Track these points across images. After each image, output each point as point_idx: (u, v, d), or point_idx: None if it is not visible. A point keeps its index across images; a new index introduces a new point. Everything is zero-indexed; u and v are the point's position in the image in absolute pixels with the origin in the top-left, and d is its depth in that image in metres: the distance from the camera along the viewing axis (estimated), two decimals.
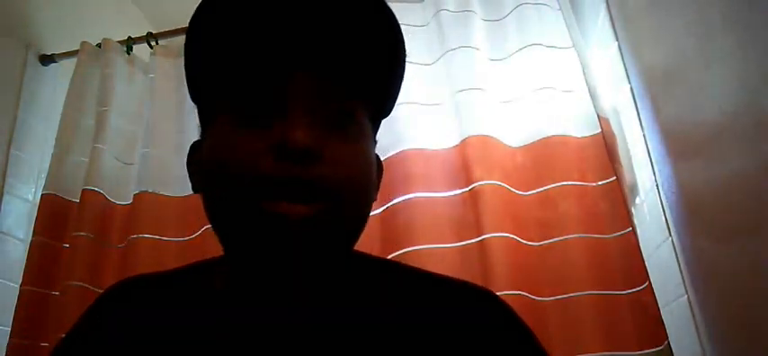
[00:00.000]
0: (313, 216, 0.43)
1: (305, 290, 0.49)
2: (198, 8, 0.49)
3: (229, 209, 0.45)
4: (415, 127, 1.26)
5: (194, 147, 0.55)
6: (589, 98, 1.18)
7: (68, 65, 1.57)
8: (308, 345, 0.48)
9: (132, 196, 1.38)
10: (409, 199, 1.19)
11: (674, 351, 0.97)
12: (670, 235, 1.00)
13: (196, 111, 0.55)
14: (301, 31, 0.47)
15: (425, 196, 1.20)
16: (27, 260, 1.34)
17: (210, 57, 0.50)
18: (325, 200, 0.44)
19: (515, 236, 1.13)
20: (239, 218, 0.45)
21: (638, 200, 1.16)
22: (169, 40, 1.56)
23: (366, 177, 0.48)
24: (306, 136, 0.43)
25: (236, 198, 0.44)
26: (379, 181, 0.57)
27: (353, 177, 0.46)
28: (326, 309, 0.49)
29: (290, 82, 0.46)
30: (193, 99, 0.55)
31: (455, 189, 1.21)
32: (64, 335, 0.55)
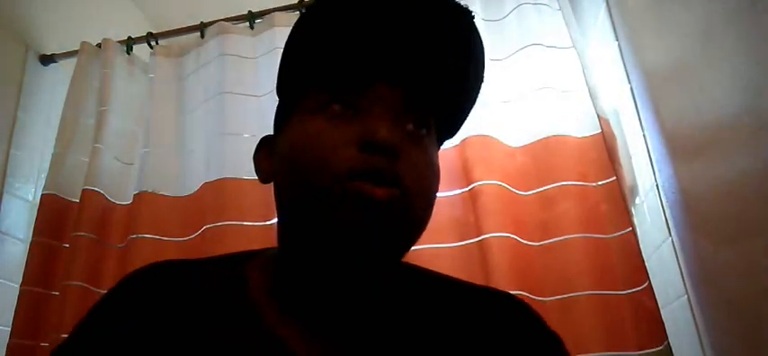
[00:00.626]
0: (390, 200, 0.45)
1: (355, 300, 0.51)
2: (308, 9, 0.53)
3: (313, 190, 0.47)
4: None
5: (263, 142, 0.58)
6: (589, 98, 1.18)
7: (68, 65, 1.57)
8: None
9: (132, 196, 1.38)
10: None
11: (673, 351, 0.97)
12: (670, 235, 1.00)
13: (274, 107, 0.57)
14: (397, 43, 0.50)
15: None
16: (27, 260, 1.34)
17: (309, 52, 0.53)
18: (402, 191, 0.46)
19: (515, 236, 1.13)
20: (321, 197, 0.46)
21: (638, 200, 1.16)
22: (169, 40, 1.56)
23: (433, 185, 0.51)
24: (391, 131, 0.46)
25: (320, 180, 0.46)
26: None
27: (425, 180, 0.49)
28: (369, 319, 0.51)
29: (378, 87, 0.49)
30: (279, 92, 0.57)
31: (455, 189, 1.21)
32: (90, 311, 0.53)
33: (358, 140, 0.46)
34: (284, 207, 0.51)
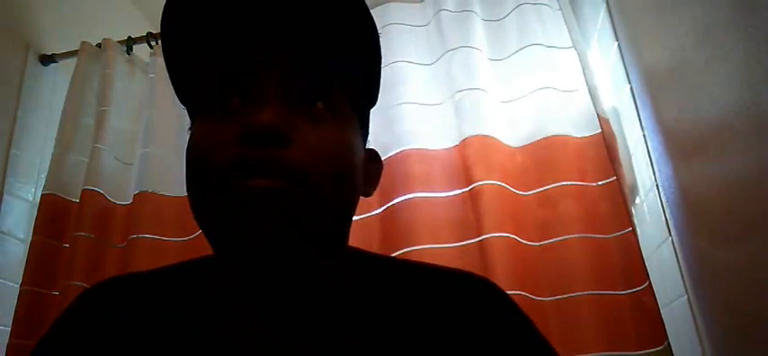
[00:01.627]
0: (279, 188, 0.42)
1: (295, 287, 0.49)
2: (164, 9, 0.49)
3: (201, 196, 0.46)
4: (415, 127, 1.26)
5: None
6: (589, 98, 1.18)
7: (68, 65, 1.57)
8: (301, 347, 0.48)
9: (132, 196, 1.37)
10: (409, 199, 1.19)
11: (674, 351, 0.97)
12: (670, 235, 1.00)
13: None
14: (267, 10, 0.47)
15: (425, 196, 1.20)
16: (27, 260, 1.34)
17: (182, 55, 0.51)
18: (293, 181, 0.43)
19: (515, 236, 1.13)
20: (209, 201, 0.45)
21: (638, 200, 1.16)
22: None
23: (343, 161, 0.47)
24: (271, 116, 0.43)
25: (205, 184, 0.45)
26: (377, 176, 0.57)
27: (327, 160, 0.45)
28: (320, 309, 0.49)
29: (258, 66, 0.46)
30: (181, 101, 0.55)
31: (455, 189, 1.21)
32: (42, 336, 0.53)
33: (239, 133, 0.44)
34: (196, 216, 0.48)
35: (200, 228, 0.48)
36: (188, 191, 0.47)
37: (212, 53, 0.48)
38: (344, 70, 0.50)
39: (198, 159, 0.46)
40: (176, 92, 0.54)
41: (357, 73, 0.52)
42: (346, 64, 0.50)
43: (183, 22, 0.49)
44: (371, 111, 0.57)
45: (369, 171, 0.55)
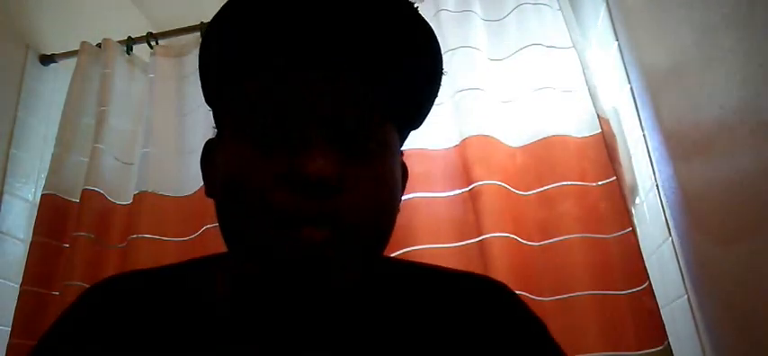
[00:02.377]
0: (329, 239, 0.42)
1: (318, 304, 0.48)
2: (216, 15, 0.47)
3: (249, 238, 0.44)
4: None
5: (209, 146, 0.53)
6: (589, 98, 1.18)
7: (68, 65, 1.57)
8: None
9: (132, 196, 1.38)
10: (409, 199, 1.19)
11: (673, 351, 0.97)
12: (670, 235, 1.00)
13: (211, 112, 0.53)
14: (320, 33, 0.44)
15: (425, 196, 1.20)
16: (27, 260, 1.34)
17: (224, 64, 0.49)
18: (343, 230, 0.42)
19: (515, 236, 1.13)
20: (252, 234, 0.43)
21: (638, 200, 1.16)
22: (169, 40, 1.56)
23: (391, 201, 0.47)
24: (323, 168, 0.41)
25: (249, 218, 0.43)
26: (404, 186, 0.55)
27: (377, 206, 0.45)
28: (339, 319, 0.49)
29: (307, 97, 0.43)
30: (208, 103, 0.53)
31: (455, 189, 1.21)
32: (42, 335, 0.53)
33: (288, 177, 0.41)
34: (226, 235, 0.47)
35: (226, 241, 0.47)
36: (224, 214, 0.46)
37: (256, 72, 0.46)
38: (400, 99, 0.47)
39: (240, 193, 0.43)
40: (205, 94, 0.52)
41: (413, 98, 0.50)
42: (403, 91, 0.47)
43: (230, 30, 0.47)
44: None
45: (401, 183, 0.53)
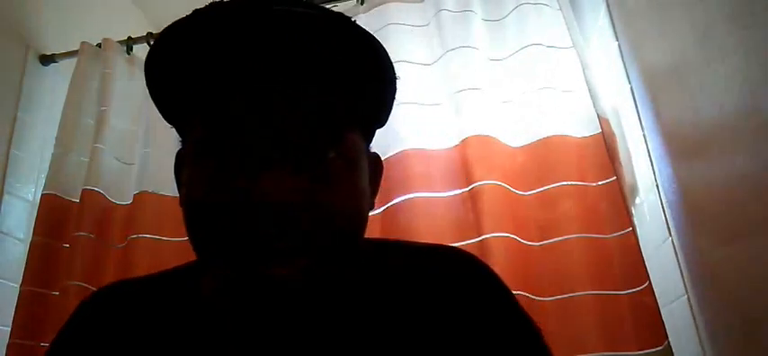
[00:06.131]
0: (295, 275, 0.42)
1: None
2: (161, 34, 0.46)
3: (211, 262, 0.45)
4: (415, 127, 1.26)
5: (180, 157, 0.53)
6: (589, 98, 1.18)
7: (68, 65, 1.57)
8: (300, 349, 0.48)
9: (132, 196, 1.38)
10: (409, 199, 1.19)
11: (674, 351, 0.97)
12: (670, 235, 1.00)
13: None
14: (264, 46, 0.44)
15: (425, 196, 1.20)
16: (27, 260, 1.34)
17: (172, 87, 0.49)
18: (310, 253, 0.42)
19: (515, 236, 1.13)
20: (226, 275, 0.45)
21: (638, 200, 1.16)
22: None
23: (358, 213, 0.46)
24: (282, 186, 0.40)
25: (215, 256, 0.44)
26: (379, 180, 0.56)
27: (343, 222, 0.44)
28: (320, 308, 0.49)
29: (259, 114, 0.43)
30: (168, 121, 0.53)
31: (455, 189, 1.21)
32: (50, 346, 0.54)
33: (245, 205, 0.41)
34: (194, 249, 0.47)
35: (197, 254, 0.47)
36: (188, 231, 0.46)
37: (206, 92, 0.45)
38: (354, 107, 0.47)
39: (204, 223, 0.44)
40: (162, 114, 0.52)
41: (368, 103, 0.50)
42: (355, 99, 0.47)
43: (176, 55, 0.46)
44: None
45: (371, 181, 0.52)
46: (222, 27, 0.45)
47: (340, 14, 0.45)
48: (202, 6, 0.45)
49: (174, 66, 0.47)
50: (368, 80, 0.48)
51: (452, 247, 0.56)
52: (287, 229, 0.41)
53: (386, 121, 0.54)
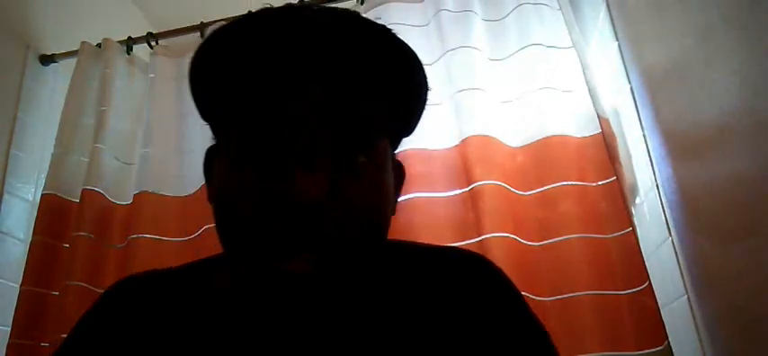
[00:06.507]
0: (315, 269, 0.43)
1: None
2: (208, 37, 0.48)
3: (237, 255, 0.46)
4: None
5: (211, 153, 0.54)
6: (589, 98, 1.18)
7: (68, 65, 1.57)
8: (313, 346, 0.48)
9: (132, 196, 1.38)
10: (409, 199, 1.19)
11: (674, 351, 0.97)
12: (670, 235, 1.00)
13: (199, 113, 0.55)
14: (305, 52, 0.46)
15: (425, 196, 1.20)
16: (27, 260, 1.34)
17: (217, 89, 0.50)
18: (337, 250, 0.43)
19: (515, 236, 1.13)
20: (247, 269, 0.46)
21: (638, 200, 1.16)
22: (169, 40, 1.56)
23: (381, 213, 0.48)
24: (311, 189, 0.42)
25: (244, 252, 0.45)
26: (401, 186, 0.57)
27: (369, 220, 0.46)
28: (333, 308, 0.50)
29: (296, 117, 0.44)
30: (204, 119, 0.54)
31: (455, 189, 1.21)
32: (68, 334, 0.55)
33: (277, 203, 0.43)
34: (221, 241, 0.48)
35: (221, 245, 0.48)
36: (218, 225, 0.47)
37: (245, 93, 0.47)
38: (387, 116, 0.49)
39: (234, 222, 0.45)
40: (200, 112, 0.54)
41: (400, 113, 0.52)
42: (389, 108, 0.49)
43: (220, 56, 0.48)
44: None
45: (395, 186, 0.54)
46: (268, 32, 0.47)
47: (383, 27, 0.47)
48: (252, 10, 0.47)
49: (218, 66, 0.49)
50: (403, 91, 0.51)
51: (464, 249, 0.57)
52: (315, 228, 0.42)
53: (413, 131, 0.56)
